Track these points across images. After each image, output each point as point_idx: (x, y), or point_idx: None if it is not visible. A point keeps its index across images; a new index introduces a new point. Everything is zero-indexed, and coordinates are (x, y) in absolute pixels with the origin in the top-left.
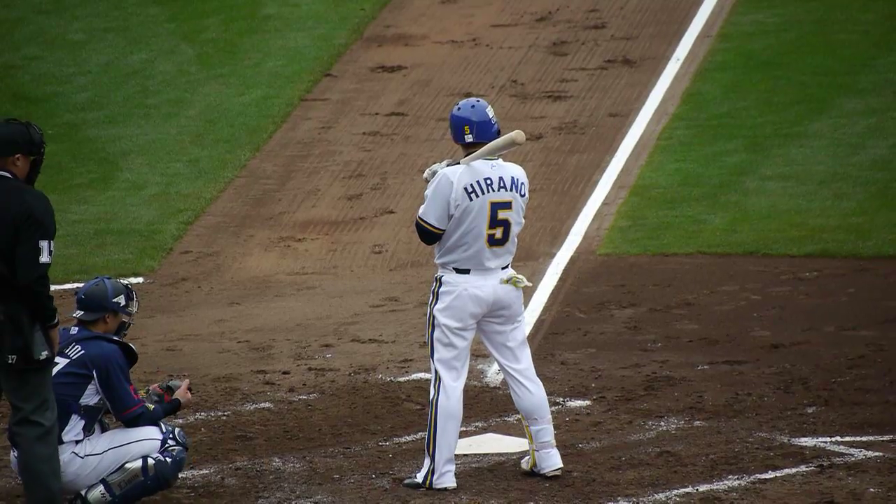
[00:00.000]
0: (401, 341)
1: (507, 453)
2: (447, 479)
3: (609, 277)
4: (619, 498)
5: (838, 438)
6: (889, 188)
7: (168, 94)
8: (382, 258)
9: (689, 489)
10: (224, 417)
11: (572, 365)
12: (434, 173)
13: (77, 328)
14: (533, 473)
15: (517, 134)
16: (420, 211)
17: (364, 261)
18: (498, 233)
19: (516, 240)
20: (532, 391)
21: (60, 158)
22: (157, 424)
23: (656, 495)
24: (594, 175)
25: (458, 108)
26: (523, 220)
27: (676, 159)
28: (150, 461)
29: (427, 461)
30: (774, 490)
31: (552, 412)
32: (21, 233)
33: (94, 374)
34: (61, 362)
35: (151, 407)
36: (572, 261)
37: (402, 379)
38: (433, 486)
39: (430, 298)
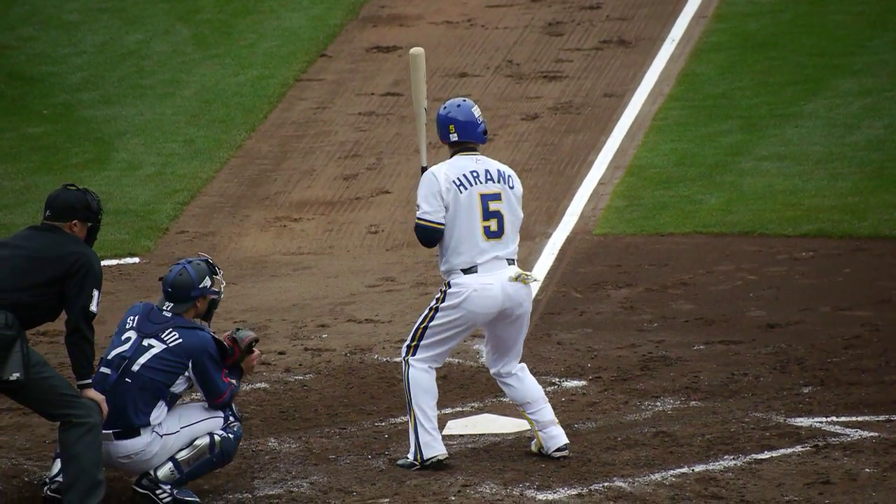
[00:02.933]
0: (397, 321)
1: (502, 434)
2: (437, 448)
3: (605, 257)
4: (615, 478)
5: (834, 418)
6: (884, 168)
7: (163, 75)
8: (378, 238)
9: (684, 469)
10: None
11: (568, 345)
12: None
13: (170, 311)
14: (542, 455)
15: (414, 58)
16: (417, 214)
17: (360, 241)
18: (493, 224)
19: (517, 236)
20: (522, 378)
21: (56, 139)
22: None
23: (652, 475)
24: (590, 155)
25: (445, 108)
26: (521, 214)
27: (672, 139)
28: (217, 437)
29: (412, 438)
30: (770, 470)
31: (548, 392)
32: (77, 279)
33: (190, 365)
34: (157, 346)
35: (236, 385)
36: (568, 241)
37: (398, 359)
38: (425, 459)
39: (438, 298)
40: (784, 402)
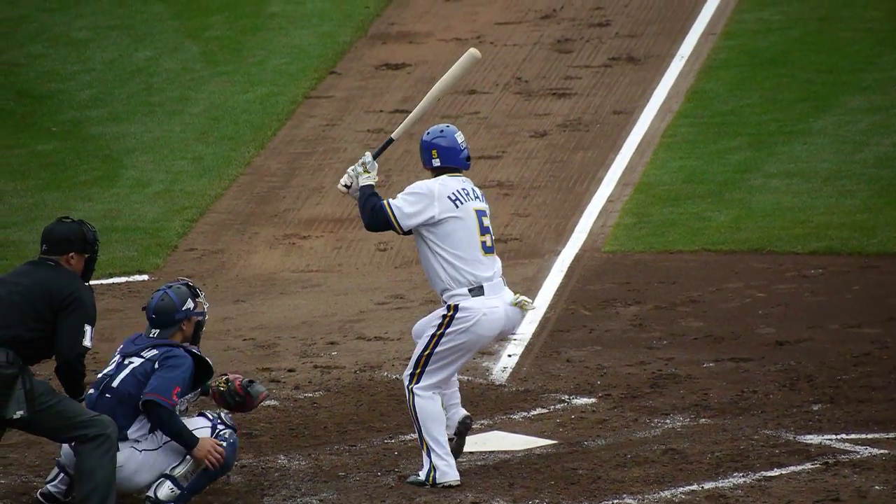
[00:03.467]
0: (406, 339)
1: (512, 451)
2: (451, 475)
3: (614, 275)
4: (625, 495)
5: (844, 436)
6: (893, 185)
7: (172, 92)
8: (387, 255)
9: (694, 487)
10: (229, 415)
11: (578, 362)
12: (364, 163)
13: (156, 334)
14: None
15: (469, 55)
16: (393, 201)
17: (369, 258)
18: (488, 240)
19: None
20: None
21: (65, 156)
22: (174, 426)
23: (662, 493)
24: (599, 172)
25: (428, 133)
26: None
27: (681, 157)
28: (222, 442)
29: (426, 460)
30: (780, 488)
31: (557, 410)
32: (67, 313)
33: (157, 361)
34: (136, 362)
35: (178, 416)
36: (577, 258)
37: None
38: (437, 483)
39: (441, 323)
40: (794, 420)
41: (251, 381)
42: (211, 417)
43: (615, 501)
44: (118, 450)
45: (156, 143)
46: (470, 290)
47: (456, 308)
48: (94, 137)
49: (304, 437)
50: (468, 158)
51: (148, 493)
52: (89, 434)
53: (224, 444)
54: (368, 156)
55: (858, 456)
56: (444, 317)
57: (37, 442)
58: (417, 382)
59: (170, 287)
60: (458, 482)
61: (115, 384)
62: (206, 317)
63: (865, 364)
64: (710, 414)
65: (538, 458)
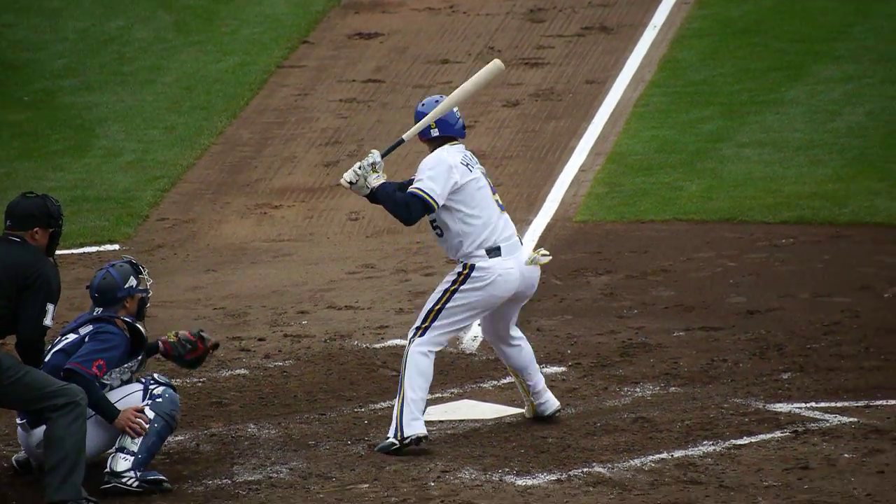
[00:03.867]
0: (377, 308)
1: (482, 419)
2: (417, 427)
3: (585, 244)
4: (595, 464)
5: (813, 404)
6: (865, 155)
7: (145, 61)
8: (359, 225)
9: (663, 455)
10: (199, 384)
11: (548, 331)
12: (373, 163)
13: (99, 312)
14: (536, 418)
15: (494, 65)
16: (419, 186)
17: (340, 228)
18: (499, 199)
19: None
20: (521, 346)
21: (36, 126)
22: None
23: (631, 461)
24: (571, 142)
25: (423, 105)
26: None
27: (653, 126)
28: (145, 408)
29: (395, 416)
30: (749, 456)
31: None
32: (31, 291)
33: (87, 336)
34: (70, 337)
35: (97, 387)
36: (549, 227)
37: (377, 345)
38: (405, 437)
39: (455, 280)
40: (763, 388)
41: (201, 331)
42: (143, 380)
43: (585, 470)
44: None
45: (128, 113)
46: (487, 252)
47: (472, 267)
48: (66, 107)
49: (273, 405)
50: (464, 127)
51: (105, 469)
52: (58, 403)
53: (160, 399)
54: (377, 154)
55: (828, 424)
56: (458, 274)
57: (5, 412)
58: (422, 335)
59: (112, 265)
60: (425, 434)
61: (47, 358)
62: (151, 293)
63: (835, 333)
64: (679, 382)
65: (508, 426)
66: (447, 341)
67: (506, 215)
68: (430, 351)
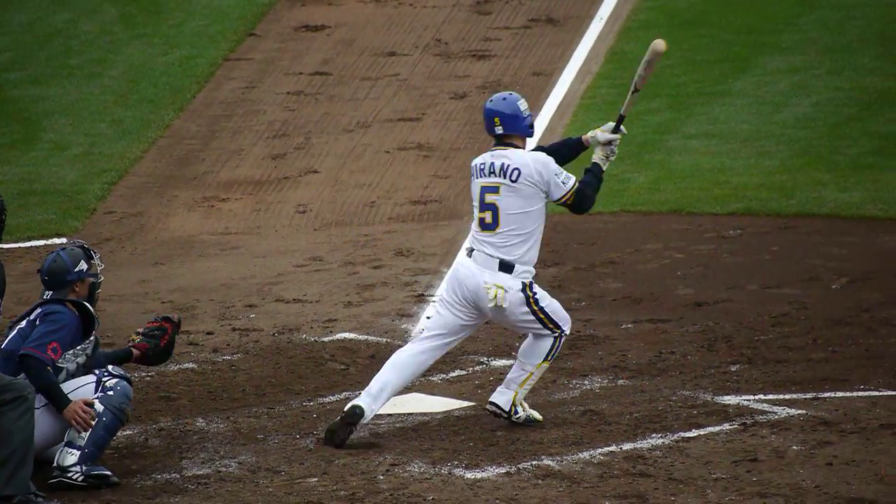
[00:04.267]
0: (325, 301)
1: (430, 413)
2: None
3: None
4: (544, 457)
5: (761, 396)
6: (812, 146)
7: (91, 54)
8: (307, 218)
9: (612, 448)
10: (148, 378)
11: (496, 324)
12: (599, 141)
13: (49, 295)
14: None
15: (655, 44)
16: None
17: (288, 220)
18: (487, 217)
19: (521, 233)
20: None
21: None
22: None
23: (580, 454)
24: None
25: (491, 101)
26: (529, 210)
27: (600, 118)
28: (95, 400)
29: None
30: (698, 448)
31: (476, 372)
32: None
33: (38, 318)
34: (22, 323)
35: (50, 372)
36: None
37: (326, 339)
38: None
39: None
40: (712, 381)
41: (158, 314)
42: (97, 372)
43: (534, 463)
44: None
45: (74, 106)
46: (468, 250)
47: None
48: (12, 100)
49: (222, 399)
50: (531, 126)
51: (53, 465)
52: (6, 398)
53: (112, 392)
54: (615, 135)
55: (776, 416)
56: None
57: None
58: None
59: (63, 249)
60: (358, 407)
61: (3, 345)
62: (102, 279)
63: (783, 324)
64: (628, 375)
65: (457, 420)
66: (436, 346)
67: (487, 234)
68: (413, 344)
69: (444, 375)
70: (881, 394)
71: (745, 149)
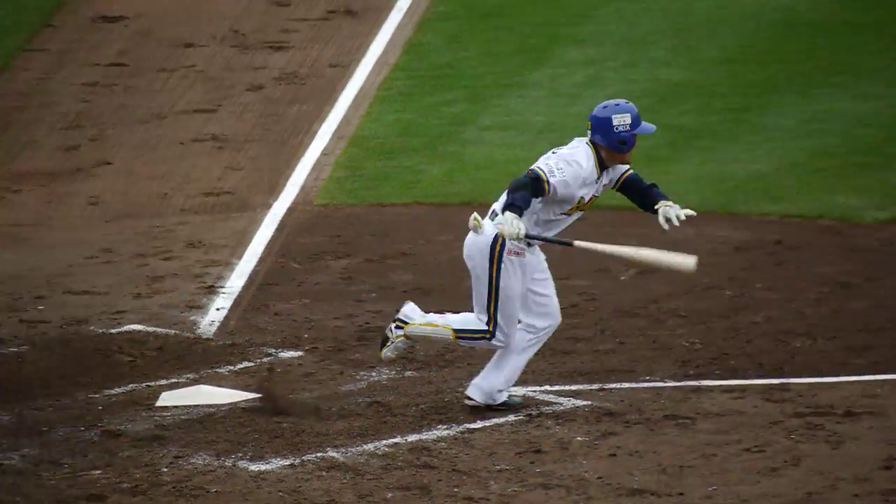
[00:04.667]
0: (114, 293)
1: (217, 405)
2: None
3: (326, 228)
4: (328, 448)
5: (548, 387)
6: None
7: None
8: (99, 209)
9: (398, 439)
10: None
11: (286, 315)
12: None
13: None
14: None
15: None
16: None
17: (80, 212)
18: None
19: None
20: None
21: None
22: None
23: (365, 446)
24: (314, 126)
25: (605, 107)
26: (536, 166)
27: (396, 110)
28: None
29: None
30: (482, 439)
31: (264, 363)
32: None
33: None
34: None
35: None
36: (289, 211)
37: (114, 331)
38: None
39: None
40: None
41: None
42: None
43: (318, 454)
44: None
45: None
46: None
47: None
48: None
49: (7, 391)
50: (622, 142)
51: None
52: None
53: None
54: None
55: (561, 408)
56: None
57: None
58: None
59: None
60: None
61: None
62: None
63: (572, 316)
64: (416, 367)
65: (242, 411)
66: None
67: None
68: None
69: (231, 367)
70: (666, 385)
71: (540, 141)
